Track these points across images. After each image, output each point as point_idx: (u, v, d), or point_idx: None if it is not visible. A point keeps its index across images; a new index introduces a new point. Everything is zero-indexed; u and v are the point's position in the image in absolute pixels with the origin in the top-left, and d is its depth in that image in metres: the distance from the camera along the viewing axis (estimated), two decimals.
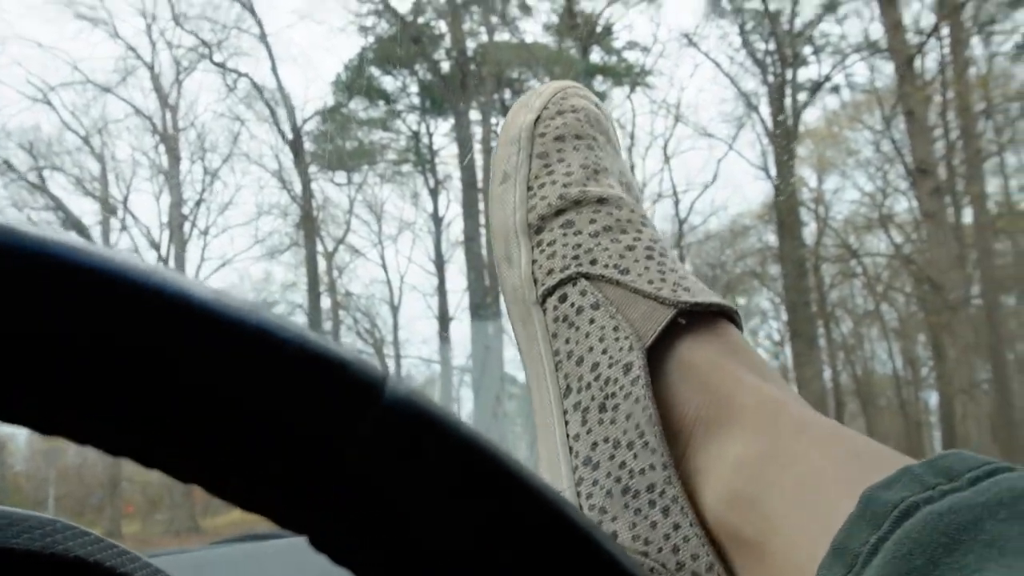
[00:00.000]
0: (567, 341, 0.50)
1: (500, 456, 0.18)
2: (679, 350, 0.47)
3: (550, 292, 0.51)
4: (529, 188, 0.54)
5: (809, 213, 8.58)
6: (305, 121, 8.65)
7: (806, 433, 0.41)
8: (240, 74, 8.51)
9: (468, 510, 0.18)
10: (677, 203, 8.61)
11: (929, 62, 7.64)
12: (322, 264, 8.89)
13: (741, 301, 9.41)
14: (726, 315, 0.50)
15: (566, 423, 0.49)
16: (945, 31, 7.34)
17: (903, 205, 8.28)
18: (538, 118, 0.56)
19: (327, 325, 8.68)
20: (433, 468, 0.18)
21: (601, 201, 0.53)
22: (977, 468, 0.31)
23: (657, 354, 0.47)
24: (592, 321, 0.49)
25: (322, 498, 0.17)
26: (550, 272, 0.51)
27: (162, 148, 8.67)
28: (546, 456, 0.50)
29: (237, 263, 8.77)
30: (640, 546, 0.44)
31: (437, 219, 8.89)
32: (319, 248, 8.82)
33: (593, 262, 0.50)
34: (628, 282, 0.49)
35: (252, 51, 9.02)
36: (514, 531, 0.18)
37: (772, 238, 8.77)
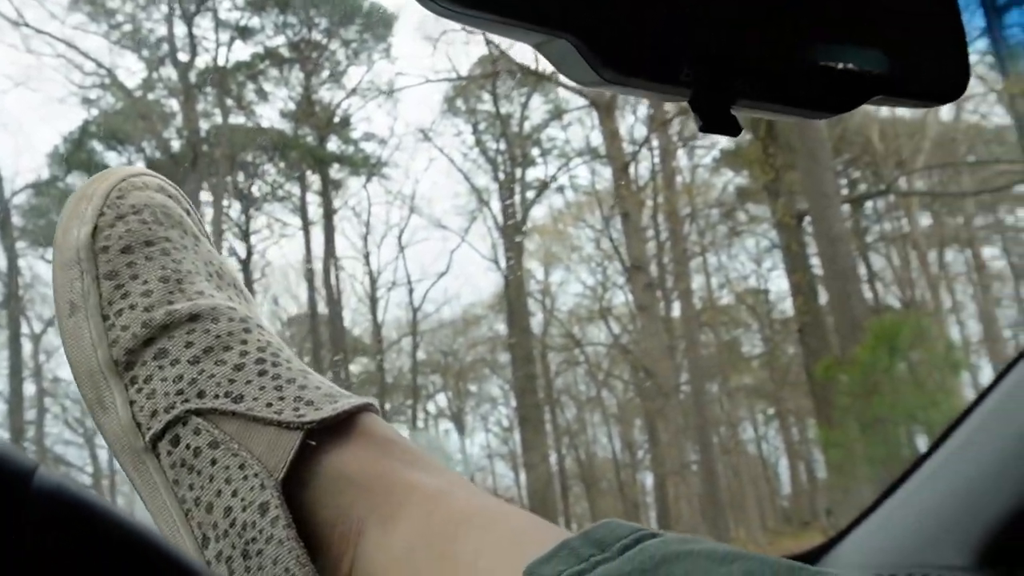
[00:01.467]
0: (191, 487, 0.45)
1: (157, 540, 0.19)
2: (322, 470, 0.45)
3: (159, 436, 0.46)
4: (105, 318, 0.48)
5: (536, 304, 8.99)
6: (15, 193, 7.96)
7: (470, 522, 0.41)
8: None
9: None
10: (411, 291, 8.71)
11: (642, 169, 8.36)
12: (27, 348, 8.11)
13: (473, 388, 9.61)
14: (363, 410, 0.47)
15: None
16: (655, 142, 8.08)
17: (620, 299, 8.88)
18: (95, 229, 0.49)
19: (31, 414, 7.89)
20: (89, 552, 0.18)
21: (193, 318, 0.48)
22: (626, 537, 0.35)
23: (296, 482, 0.44)
24: (214, 462, 0.45)
25: None
26: (154, 414, 0.46)
27: None
28: None
29: None
30: None
31: None
32: (24, 330, 8.06)
33: (201, 394, 0.46)
34: (244, 411, 0.45)
35: None
36: None
37: (502, 327, 9.08)
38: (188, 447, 0.45)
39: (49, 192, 8.08)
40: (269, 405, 0.45)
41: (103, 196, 0.50)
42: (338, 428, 0.46)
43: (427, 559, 0.41)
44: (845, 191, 7.18)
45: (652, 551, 0.33)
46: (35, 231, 8.16)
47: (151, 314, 0.47)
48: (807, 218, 6.83)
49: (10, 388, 7.81)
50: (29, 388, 8.07)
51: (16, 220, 7.95)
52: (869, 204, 7.48)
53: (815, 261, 6.81)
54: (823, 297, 6.78)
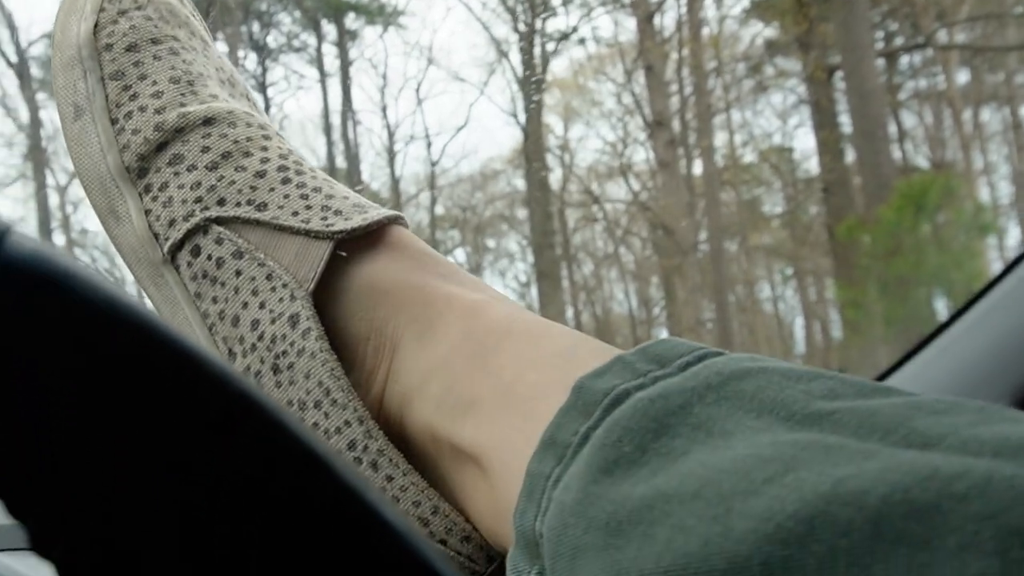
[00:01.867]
0: (215, 300, 0.43)
1: (171, 333, 0.15)
2: (354, 281, 0.43)
3: (178, 247, 0.44)
4: (114, 121, 0.45)
5: (555, 159, 8.88)
6: (31, 43, 7.78)
7: (512, 334, 0.39)
8: None
9: (110, 377, 0.15)
10: (429, 145, 8.61)
11: (667, 20, 8.08)
12: (54, 199, 8.13)
13: (491, 243, 9.62)
14: (393, 222, 0.45)
15: None
16: None
17: (641, 155, 8.77)
18: (96, 25, 0.45)
19: None
20: (65, 328, 0.14)
21: (208, 122, 0.44)
22: (688, 354, 0.31)
23: (327, 294, 0.42)
24: (239, 273, 0.42)
25: None
26: (172, 223, 0.43)
27: None
28: None
29: None
30: None
31: None
32: (50, 181, 8.05)
33: (221, 202, 0.43)
34: (269, 219, 0.43)
35: None
36: (190, 423, 0.15)
37: (520, 182, 9.01)
38: (210, 258, 0.43)
39: None
40: (295, 214, 0.43)
41: None
42: (368, 239, 0.43)
43: (467, 371, 0.39)
44: (881, 44, 6.90)
45: (719, 367, 0.30)
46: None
47: (163, 116, 0.44)
48: (839, 73, 6.61)
49: (39, 238, 7.88)
50: (58, 239, 8.15)
51: (34, 71, 7.82)
52: (905, 59, 7.21)
53: (844, 119, 6.64)
54: (850, 156, 6.64)
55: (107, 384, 0.14)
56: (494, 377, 0.38)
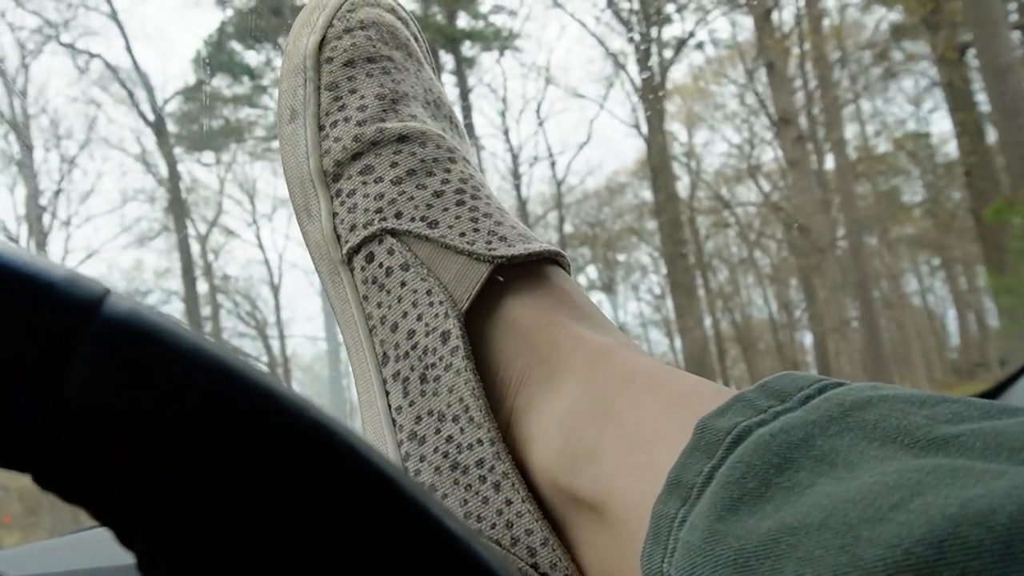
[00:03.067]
0: (379, 305, 0.46)
1: (249, 372, 0.17)
2: (499, 309, 0.45)
3: (356, 250, 0.47)
4: (321, 127, 0.49)
5: (681, 167, 8.78)
6: (166, 101, 8.31)
7: (634, 382, 0.39)
8: (92, 55, 8.09)
9: (215, 434, 0.16)
10: (553, 164, 8.68)
11: (786, 15, 7.89)
12: (196, 248, 8.61)
13: (621, 257, 9.58)
14: (551, 260, 0.47)
15: (387, 394, 0.46)
16: None
17: (769, 155, 8.56)
18: (323, 40, 0.50)
19: (206, 310, 8.42)
20: (167, 387, 0.16)
21: (402, 139, 0.48)
22: (808, 387, 0.31)
23: (476, 315, 0.45)
24: (403, 284, 0.45)
25: (44, 429, 0.16)
26: (353, 228, 0.47)
27: (12, 137, 8.19)
28: (371, 429, 0.47)
29: (104, 253, 8.41)
30: (473, 523, 0.43)
31: None
32: (191, 232, 8.54)
33: (398, 215, 0.46)
34: (437, 237, 0.45)
35: (103, 30, 8.61)
36: (271, 456, 0.16)
37: (647, 193, 8.95)
38: (381, 266, 0.46)
39: (197, 96, 8.38)
40: (463, 235, 0.45)
41: (335, 8, 0.51)
42: (525, 270, 0.45)
43: (588, 419, 0.40)
44: (1014, 16, 6.55)
45: (840, 398, 0.30)
46: (189, 136, 8.53)
47: (363, 129, 0.48)
48: (971, 50, 6.30)
49: (184, 287, 8.35)
50: (202, 287, 8.61)
51: (170, 127, 8.32)
52: None
53: (981, 97, 6.31)
54: (991, 136, 6.30)
55: (192, 421, 0.16)
56: (615, 425, 0.38)
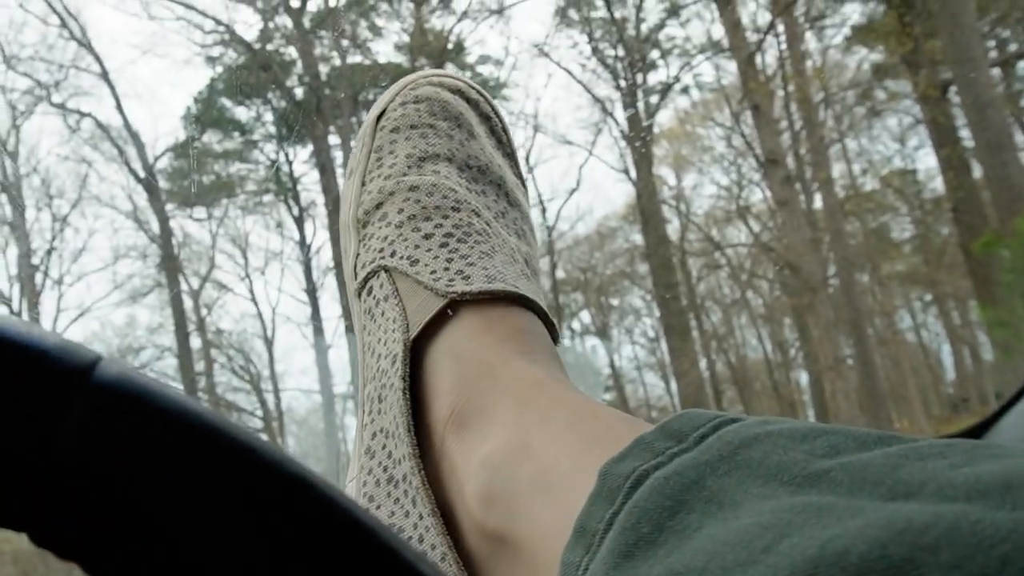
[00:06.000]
0: (370, 333, 0.51)
1: (233, 431, 0.18)
2: (448, 341, 0.48)
3: (363, 284, 0.53)
4: (364, 183, 0.55)
5: (671, 210, 8.83)
6: (157, 158, 8.35)
7: (555, 419, 0.40)
8: (83, 114, 8.13)
9: (202, 489, 0.17)
10: (544, 211, 8.71)
11: (769, 58, 8.00)
12: (188, 303, 8.59)
13: (614, 302, 9.59)
14: (518, 302, 0.49)
15: (363, 413, 0.50)
16: (780, 28, 7.69)
17: (758, 196, 8.62)
18: (383, 112, 0.57)
19: (199, 365, 8.38)
20: (154, 447, 0.17)
21: (413, 189, 0.53)
22: (704, 425, 0.31)
23: (428, 344, 0.48)
24: (383, 313, 0.50)
25: (38, 490, 0.16)
26: (363, 266, 0.53)
27: (3, 198, 8.21)
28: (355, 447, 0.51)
29: (96, 311, 8.39)
30: (401, 535, 0.43)
31: (305, 247, 8.72)
32: (184, 287, 8.52)
33: (393, 254, 0.51)
34: (414, 273, 0.50)
35: (93, 90, 8.65)
36: (256, 508, 0.17)
37: (638, 237, 8.99)
38: (374, 298, 0.51)
39: (187, 153, 8.43)
40: (433, 272, 0.49)
41: (401, 86, 0.58)
42: (482, 310, 0.48)
43: (509, 454, 0.41)
44: (994, 53, 6.64)
45: (730, 437, 0.30)
46: (180, 192, 8.56)
47: (388, 182, 0.54)
48: (952, 87, 6.38)
49: (177, 342, 8.31)
50: (195, 342, 8.57)
51: (162, 183, 8.35)
52: (1022, 65, 6.90)
53: (965, 133, 6.38)
54: (977, 171, 6.36)
55: (180, 479, 0.17)
56: (532, 462, 0.39)
